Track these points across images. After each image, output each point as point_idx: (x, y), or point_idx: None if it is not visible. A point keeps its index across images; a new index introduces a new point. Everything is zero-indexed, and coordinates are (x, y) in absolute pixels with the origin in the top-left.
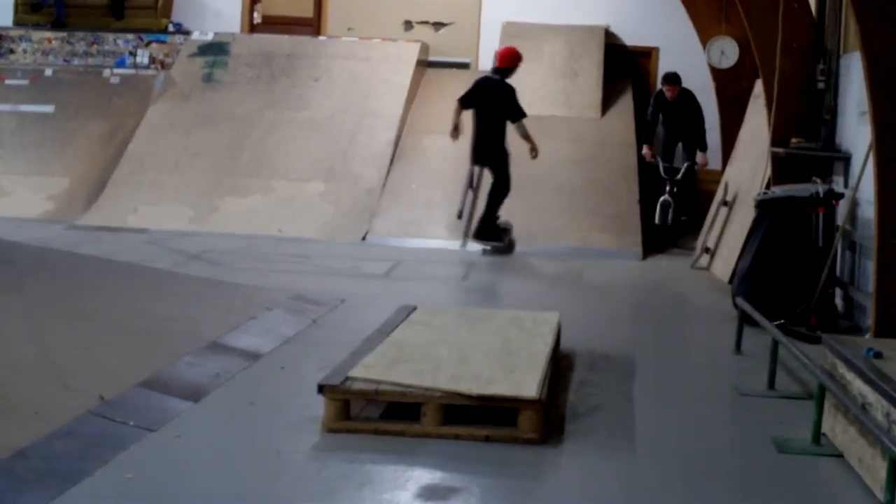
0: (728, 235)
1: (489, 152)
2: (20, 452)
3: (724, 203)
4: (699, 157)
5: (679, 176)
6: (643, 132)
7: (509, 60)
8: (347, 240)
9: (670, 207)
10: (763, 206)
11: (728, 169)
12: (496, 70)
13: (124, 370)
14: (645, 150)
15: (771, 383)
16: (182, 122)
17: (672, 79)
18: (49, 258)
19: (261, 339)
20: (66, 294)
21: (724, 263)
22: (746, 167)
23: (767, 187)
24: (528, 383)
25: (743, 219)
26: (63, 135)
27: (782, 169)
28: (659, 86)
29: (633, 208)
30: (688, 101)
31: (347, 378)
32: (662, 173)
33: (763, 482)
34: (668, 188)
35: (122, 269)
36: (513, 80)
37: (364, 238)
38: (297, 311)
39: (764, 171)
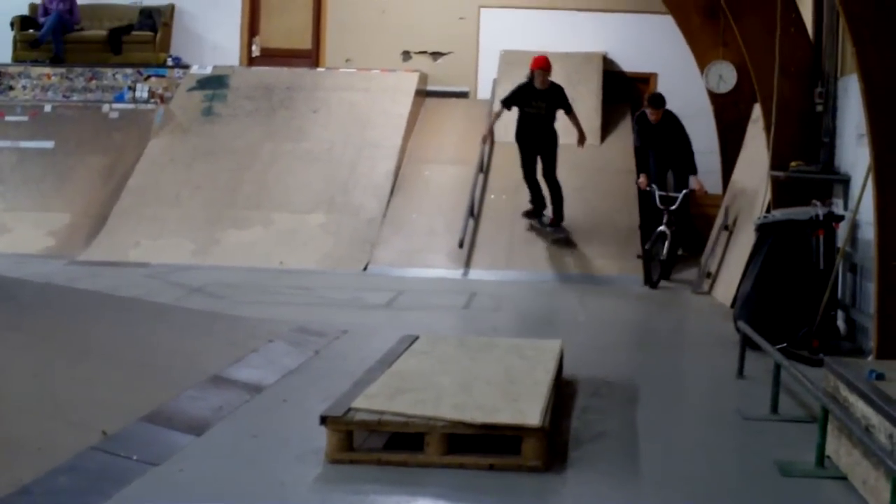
0: (729, 259)
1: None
2: (24, 488)
3: (725, 227)
4: (694, 181)
5: (676, 205)
6: (637, 160)
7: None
8: (349, 270)
9: (666, 240)
10: (763, 229)
11: (728, 193)
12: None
13: (127, 405)
14: (641, 178)
15: (774, 407)
16: (182, 156)
17: (656, 101)
18: (51, 294)
19: (263, 371)
20: (68, 329)
21: (726, 288)
22: (746, 191)
23: (767, 211)
24: (531, 411)
25: (744, 243)
26: (63, 170)
27: (782, 192)
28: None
29: (633, 235)
30: (672, 123)
31: (350, 409)
32: (658, 203)
33: None
34: (665, 218)
35: (124, 303)
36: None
37: (365, 268)
38: (299, 343)
39: (764, 194)
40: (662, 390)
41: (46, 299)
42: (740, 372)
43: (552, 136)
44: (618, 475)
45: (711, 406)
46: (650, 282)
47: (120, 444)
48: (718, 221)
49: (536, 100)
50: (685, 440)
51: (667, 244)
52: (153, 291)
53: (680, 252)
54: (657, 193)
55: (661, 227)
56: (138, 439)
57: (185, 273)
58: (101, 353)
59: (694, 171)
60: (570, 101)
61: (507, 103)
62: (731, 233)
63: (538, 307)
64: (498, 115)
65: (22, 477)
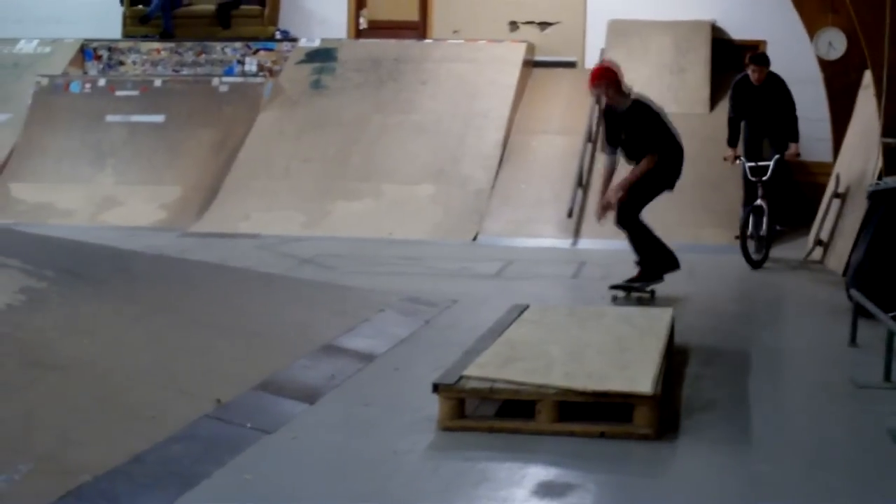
0: (841, 227)
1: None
2: (138, 457)
3: (837, 195)
4: (791, 148)
5: (768, 175)
6: (729, 131)
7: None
8: (458, 241)
9: (764, 214)
10: (875, 197)
11: (839, 160)
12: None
13: (240, 374)
14: (728, 153)
15: (887, 375)
16: (291, 129)
17: (760, 59)
18: (163, 265)
19: (374, 340)
20: (181, 300)
21: (838, 256)
22: (858, 158)
23: (879, 178)
24: (642, 379)
25: (856, 210)
26: (174, 144)
27: (894, 159)
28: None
29: None
30: (777, 87)
31: (462, 377)
32: (749, 175)
33: (881, 473)
34: (759, 192)
35: (236, 274)
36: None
37: (474, 239)
38: (409, 313)
39: (875, 161)
40: (774, 359)
41: (159, 271)
42: (853, 340)
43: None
44: (730, 444)
45: (824, 374)
46: (750, 262)
47: (233, 412)
48: (829, 189)
49: (617, 126)
50: (797, 409)
51: (764, 220)
52: (264, 262)
53: (778, 228)
54: (746, 165)
55: (758, 201)
56: (251, 407)
57: (296, 244)
58: (214, 322)
59: (795, 137)
60: (660, 127)
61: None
62: (842, 201)
63: None
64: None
65: (137, 446)
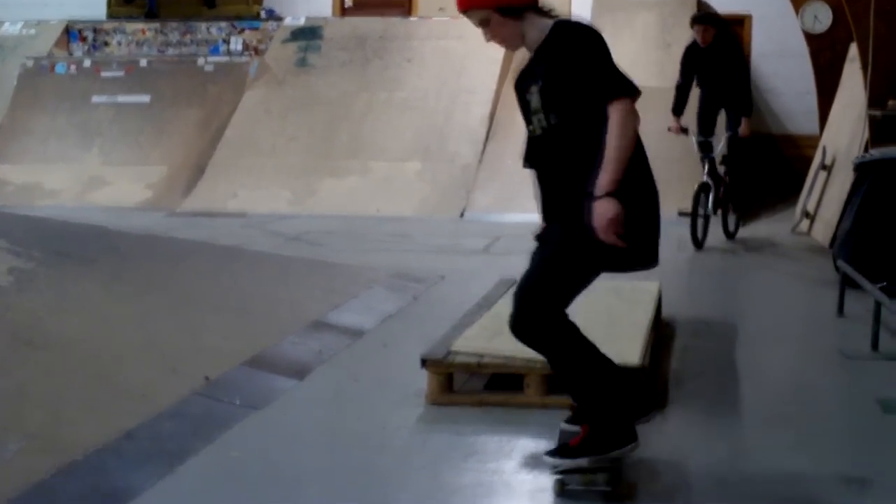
0: (828, 199)
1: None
2: (129, 434)
3: (824, 167)
4: (742, 124)
5: (716, 152)
6: (675, 99)
7: None
8: (445, 217)
9: (710, 192)
10: (862, 168)
11: (825, 133)
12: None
13: (229, 351)
14: (672, 122)
15: (874, 345)
16: (277, 107)
17: (703, 18)
18: (152, 244)
19: (363, 316)
20: (170, 279)
21: (825, 227)
22: (844, 131)
23: (866, 150)
24: (630, 351)
25: (842, 182)
26: (160, 123)
27: (880, 131)
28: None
29: None
30: (728, 49)
31: (450, 352)
32: (696, 149)
33: (869, 443)
34: (705, 168)
35: (224, 252)
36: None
37: (462, 215)
38: (397, 289)
39: (861, 133)
40: (762, 330)
41: (148, 250)
42: (840, 311)
43: (568, 192)
44: (719, 414)
45: (812, 345)
46: (696, 243)
47: (223, 389)
48: (816, 161)
49: (522, 91)
50: (786, 378)
51: (710, 200)
52: (252, 241)
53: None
54: (694, 139)
55: (704, 178)
56: (241, 384)
57: (283, 222)
58: (203, 301)
59: (747, 111)
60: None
61: None
62: (829, 173)
63: None
64: None
65: (127, 423)
